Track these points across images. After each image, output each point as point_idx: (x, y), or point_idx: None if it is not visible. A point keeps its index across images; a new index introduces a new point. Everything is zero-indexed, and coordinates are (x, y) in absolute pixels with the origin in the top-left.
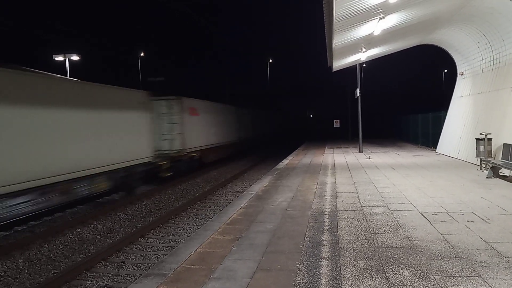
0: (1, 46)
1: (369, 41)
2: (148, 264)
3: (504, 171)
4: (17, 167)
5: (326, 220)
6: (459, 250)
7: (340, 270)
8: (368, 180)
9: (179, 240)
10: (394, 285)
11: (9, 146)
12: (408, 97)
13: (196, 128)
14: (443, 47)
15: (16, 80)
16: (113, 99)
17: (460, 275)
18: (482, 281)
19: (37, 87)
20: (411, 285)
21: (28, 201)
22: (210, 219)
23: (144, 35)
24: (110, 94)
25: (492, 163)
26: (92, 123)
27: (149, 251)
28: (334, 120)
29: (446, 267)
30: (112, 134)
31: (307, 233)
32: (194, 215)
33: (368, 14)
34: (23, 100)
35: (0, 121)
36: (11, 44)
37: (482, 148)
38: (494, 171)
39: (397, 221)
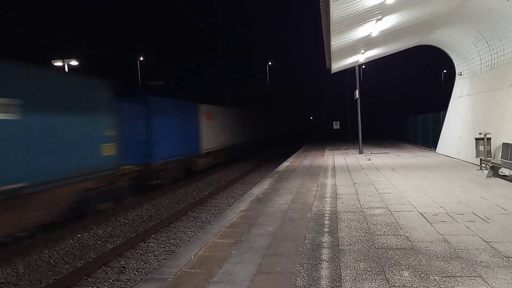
0: (2, 49)
1: (367, 43)
2: (149, 268)
3: (504, 171)
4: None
5: (326, 222)
6: (459, 250)
7: (340, 272)
8: (368, 181)
9: (180, 244)
10: (394, 286)
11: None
12: (407, 97)
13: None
14: (441, 47)
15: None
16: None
17: (460, 275)
18: (482, 281)
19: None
20: (411, 286)
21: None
22: (211, 223)
23: (143, 38)
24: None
25: (492, 162)
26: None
27: (150, 255)
28: (334, 122)
29: (446, 268)
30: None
31: (307, 235)
32: (194, 218)
33: (365, 16)
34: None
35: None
36: (11, 47)
37: (481, 148)
38: (494, 171)
39: (397, 222)
